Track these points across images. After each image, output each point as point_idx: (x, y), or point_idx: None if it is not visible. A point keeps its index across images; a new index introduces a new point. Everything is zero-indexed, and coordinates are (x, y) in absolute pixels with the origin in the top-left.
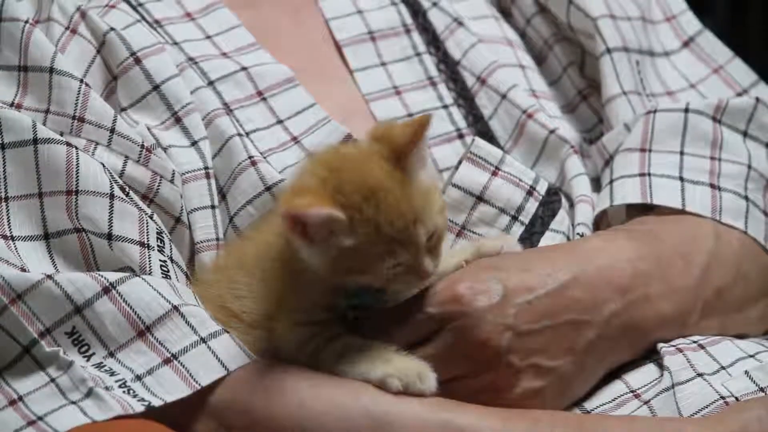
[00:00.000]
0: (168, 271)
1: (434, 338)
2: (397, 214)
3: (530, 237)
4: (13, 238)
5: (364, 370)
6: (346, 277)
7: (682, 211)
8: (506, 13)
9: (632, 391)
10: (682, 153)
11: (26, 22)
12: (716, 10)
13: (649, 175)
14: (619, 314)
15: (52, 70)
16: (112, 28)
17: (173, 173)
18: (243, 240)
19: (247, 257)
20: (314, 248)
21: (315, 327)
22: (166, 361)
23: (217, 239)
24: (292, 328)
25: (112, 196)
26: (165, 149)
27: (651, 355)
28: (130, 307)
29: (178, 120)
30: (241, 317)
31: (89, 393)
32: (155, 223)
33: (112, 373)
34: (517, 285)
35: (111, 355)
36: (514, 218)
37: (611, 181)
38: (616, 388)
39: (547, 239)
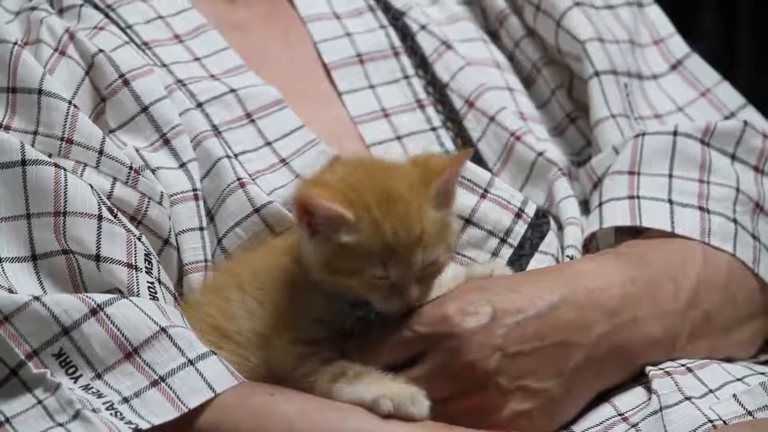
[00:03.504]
0: (156, 293)
1: (423, 359)
2: (405, 226)
3: (519, 259)
4: (0, 260)
5: (357, 391)
6: (332, 276)
7: (671, 234)
8: (495, 36)
9: (620, 414)
10: (670, 176)
11: (15, 43)
12: (704, 34)
13: (638, 197)
14: (608, 336)
15: (40, 92)
16: (100, 50)
17: (161, 195)
18: (238, 260)
19: (243, 277)
20: (314, 240)
21: (312, 347)
22: (154, 384)
23: (206, 261)
24: (289, 346)
25: (100, 218)
26: (153, 171)
27: (639, 378)
28: (118, 329)
29: (166, 142)
30: (233, 337)
31: (76, 415)
32: (143, 244)
33: (100, 395)
34: (506, 306)
35: (98, 377)
36: (503, 241)
37: (600, 204)
38: (605, 411)
39: (536, 262)
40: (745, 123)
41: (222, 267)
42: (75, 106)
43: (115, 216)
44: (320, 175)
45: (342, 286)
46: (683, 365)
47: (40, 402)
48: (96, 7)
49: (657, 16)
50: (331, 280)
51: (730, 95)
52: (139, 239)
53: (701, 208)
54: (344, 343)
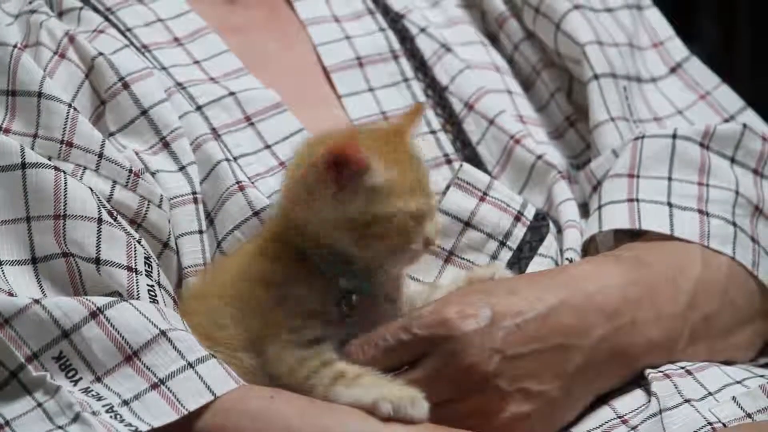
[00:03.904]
0: (156, 296)
1: (422, 362)
2: (416, 160)
3: (518, 262)
4: (0, 263)
5: (356, 393)
6: (353, 233)
7: (670, 237)
8: (494, 39)
9: (619, 417)
10: (670, 179)
11: (14, 46)
12: (703, 37)
13: (638, 200)
14: (607, 339)
15: (40, 95)
16: (100, 53)
17: (161, 198)
18: (218, 266)
19: (225, 285)
20: (338, 197)
21: (307, 349)
22: (154, 386)
23: (205, 264)
24: (284, 351)
25: (100, 221)
26: (153, 174)
27: (638, 380)
28: (118, 332)
29: (166, 145)
30: (225, 344)
31: (76, 418)
32: (143, 247)
33: (99, 398)
34: (505, 309)
35: (98, 379)
36: (502, 243)
37: (599, 207)
38: (604, 413)
39: (536, 264)
40: (745, 126)
41: (201, 274)
42: (75, 109)
43: (115, 219)
44: (316, 139)
45: (361, 243)
46: (683, 368)
47: (39, 405)
48: (95, 10)
49: (656, 19)
50: (348, 240)
51: (729, 98)
52: (139, 242)
53: (700, 211)
54: (342, 346)
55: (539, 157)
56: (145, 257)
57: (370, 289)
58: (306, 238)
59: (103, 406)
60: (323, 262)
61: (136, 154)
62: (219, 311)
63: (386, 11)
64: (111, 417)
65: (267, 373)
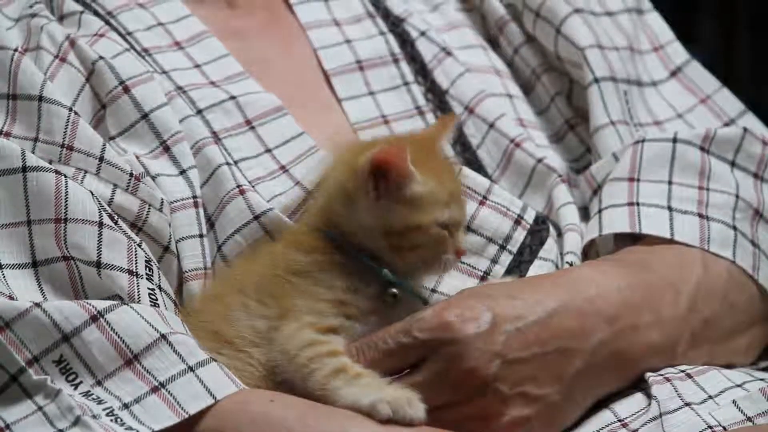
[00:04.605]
0: (156, 300)
1: (422, 365)
2: (450, 171)
3: (519, 266)
4: (1, 266)
5: (353, 394)
6: (391, 239)
7: (670, 241)
8: (494, 43)
9: (620, 421)
10: (670, 182)
11: (15, 50)
12: (703, 40)
13: (638, 204)
14: (607, 343)
15: (41, 98)
16: (101, 57)
17: (162, 202)
18: (235, 268)
19: (244, 281)
20: (378, 205)
21: (324, 335)
22: (154, 390)
23: (206, 268)
24: (302, 330)
25: (100, 224)
26: (153, 178)
27: (639, 384)
28: (118, 336)
29: (166, 149)
30: (233, 342)
31: (77, 421)
32: (144, 251)
33: (100, 402)
34: (505, 312)
35: (99, 383)
36: (503, 247)
37: (600, 211)
38: (604, 417)
39: (536, 268)
40: (745, 130)
41: (220, 275)
42: (75, 113)
43: (116, 223)
44: (358, 145)
45: (396, 250)
46: (683, 371)
47: (40, 408)
48: (96, 14)
49: (656, 22)
50: (387, 245)
51: (729, 102)
52: (140, 246)
53: (701, 215)
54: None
55: (539, 160)
56: (145, 261)
57: (411, 287)
58: (344, 236)
59: (104, 409)
60: (365, 255)
61: (137, 157)
62: (234, 306)
63: (386, 15)
64: (111, 420)
65: (270, 370)
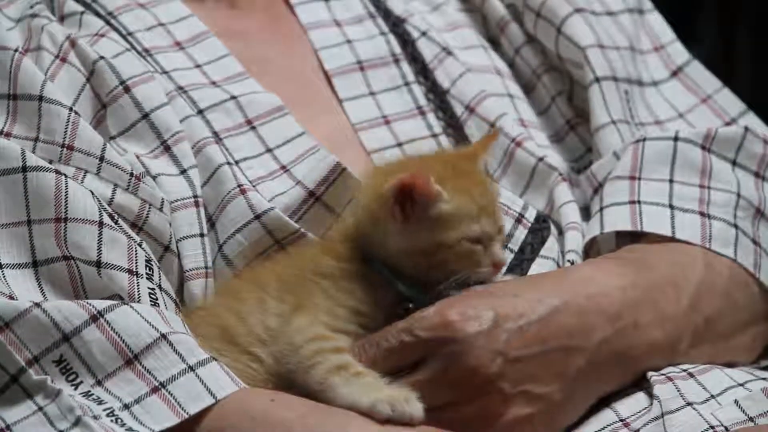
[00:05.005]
0: (156, 299)
1: (424, 364)
2: (482, 186)
3: (520, 264)
4: (1, 266)
5: (352, 393)
6: (425, 258)
7: (672, 239)
8: (495, 43)
9: (622, 420)
10: (671, 181)
11: (16, 50)
12: (704, 40)
13: (639, 202)
14: (609, 341)
15: (41, 98)
16: (101, 57)
17: (162, 201)
18: (256, 267)
19: (269, 275)
20: (406, 226)
21: (333, 333)
22: (154, 390)
23: (206, 267)
24: (312, 325)
25: (101, 224)
26: (154, 177)
27: (641, 383)
28: (118, 336)
29: (167, 148)
30: (239, 340)
31: (77, 422)
32: (144, 250)
33: (100, 402)
34: (507, 311)
35: (99, 383)
36: (504, 246)
37: (601, 209)
38: (606, 416)
39: (537, 266)
40: (746, 129)
41: (239, 273)
42: (76, 113)
43: (116, 222)
44: (384, 168)
45: (433, 267)
46: (684, 370)
47: (40, 409)
48: (97, 14)
49: (657, 22)
50: (415, 266)
51: (730, 102)
52: (140, 245)
53: (702, 214)
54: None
55: (540, 159)
56: (146, 260)
57: (425, 302)
58: (374, 251)
59: (104, 410)
60: (386, 269)
61: (137, 157)
62: (250, 301)
63: (387, 15)
64: (112, 421)
65: (272, 368)
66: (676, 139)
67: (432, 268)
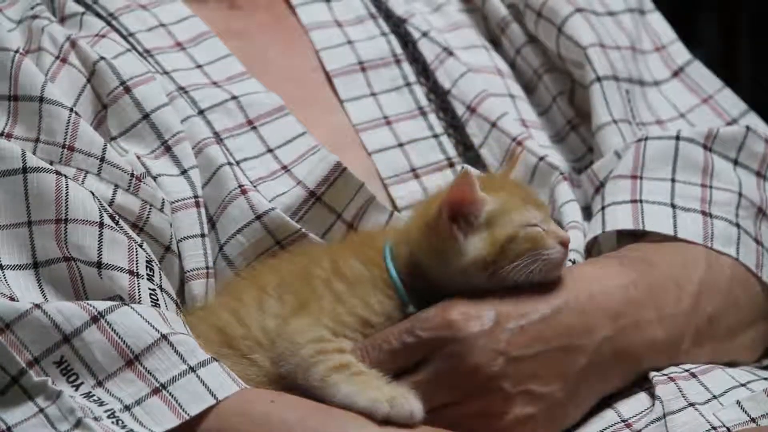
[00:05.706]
0: (157, 300)
1: (426, 364)
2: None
3: None
4: (2, 267)
5: (352, 392)
6: (496, 258)
7: (673, 238)
8: (496, 43)
9: (624, 421)
10: (673, 180)
11: (16, 51)
12: (705, 40)
13: (641, 201)
14: (611, 340)
15: (41, 99)
16: (102, 58)
17: (163, 202)
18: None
19: (271, 275)
20: (470, 237)
21: (335, 337)
22: (155, 391)
23: (207, 268)
24: (313, 325)
25: (101, 225)
26: (155, 178)
27: (643, 383)
28: (119, 336)
29: (168, 149)
30: (239, 342)
31: (78, 423)
32: (145, 251)
33: (101, 403)
34: (509, 310)
35: (99, 384)
36: None
37: (603, 208)
38: (608, 416)
39: None
40: (748, 128)
41: (241, 274)
42: (76, 114)
43: (117, 223)
44: (418, 206)
45: (505, 268)
46: (687, 370)
47: (41, 410)
48: (97, 15)
49: (658, 22)
50: (481, 277)
51: (732, 102)
52: (141, 246)
53: (704, 213)
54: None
55: (541, 158)
56: (146, 261)
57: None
58: (415, 271)
59: (105, 411)
60: (405, 285)
61: (138, 158)
62: (249, 302)
63: (388, 16)
64: (113, 422)
65: (272, 369)
66: (677, 138)
67: (508, 270)
